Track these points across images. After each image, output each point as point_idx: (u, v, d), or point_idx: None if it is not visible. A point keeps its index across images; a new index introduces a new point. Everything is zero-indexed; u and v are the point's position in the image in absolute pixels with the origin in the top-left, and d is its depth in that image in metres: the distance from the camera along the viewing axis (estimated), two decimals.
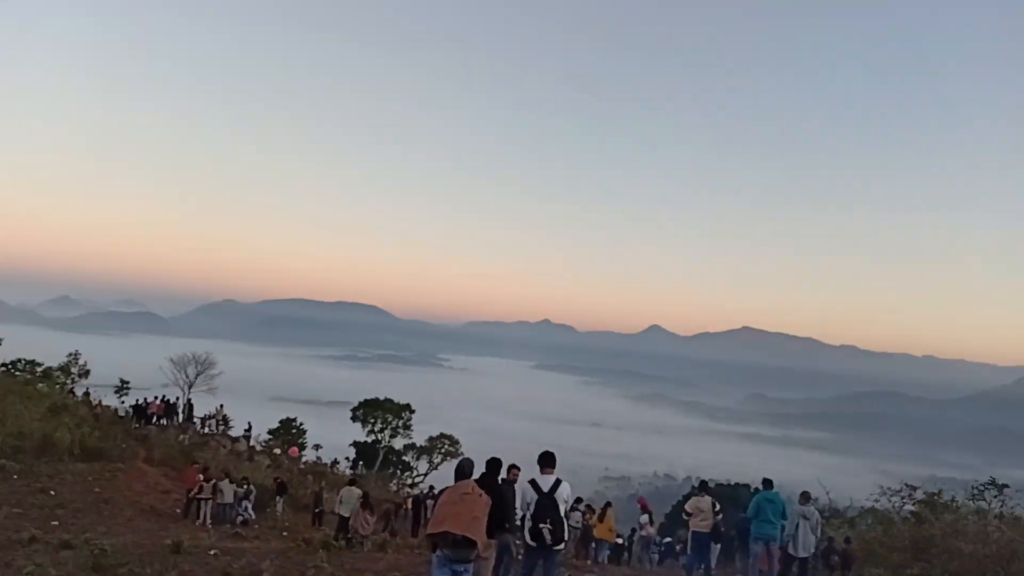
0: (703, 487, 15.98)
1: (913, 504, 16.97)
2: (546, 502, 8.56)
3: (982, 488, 17.40)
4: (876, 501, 18.58)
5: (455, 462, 8.86)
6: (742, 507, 22.60)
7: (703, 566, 15.10)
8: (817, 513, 14.73)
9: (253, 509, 24.26)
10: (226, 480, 23.83)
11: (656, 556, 23.62)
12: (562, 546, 9.16)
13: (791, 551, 14.08)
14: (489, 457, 9.63)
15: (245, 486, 24.50)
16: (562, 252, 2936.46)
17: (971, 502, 16.59)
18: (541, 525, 8.43)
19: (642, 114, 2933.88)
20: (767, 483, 14.44)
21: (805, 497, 14.72)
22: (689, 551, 15.72)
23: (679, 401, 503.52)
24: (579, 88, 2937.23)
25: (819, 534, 14.77)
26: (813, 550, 14.41)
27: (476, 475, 8.83)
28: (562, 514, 8.74)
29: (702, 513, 14.90)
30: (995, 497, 16.75)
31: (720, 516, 15.80)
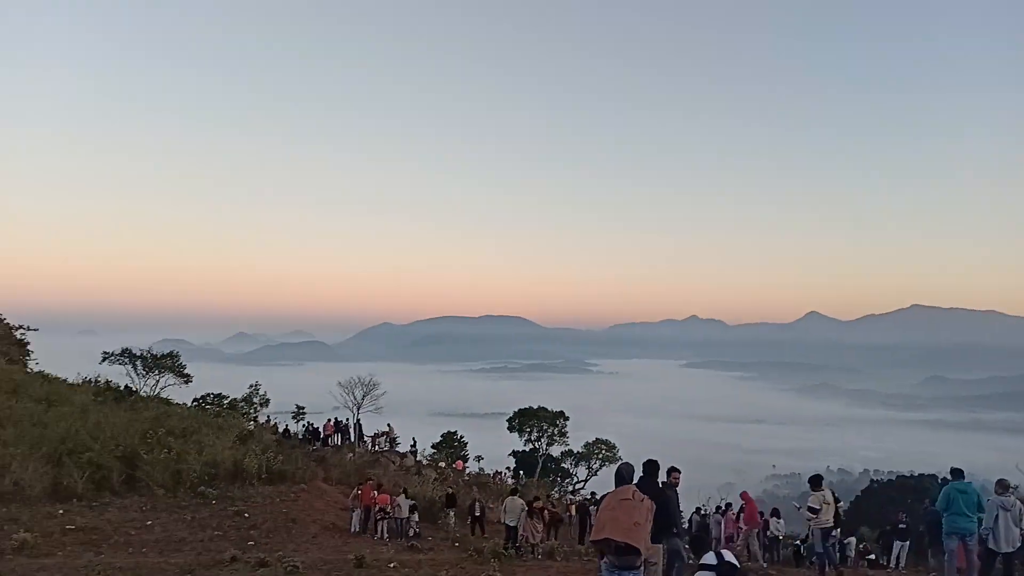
0: (817, 481, 15.37)
1: None
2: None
3: None
4: None
5: (614, 467, 8.84)
6: (931, 500, 20.93)
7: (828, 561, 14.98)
8: (1019, 503, 13.29)
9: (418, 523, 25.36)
10: (402, 495, 25.04)
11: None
12: None
13: (992, 546, 12.79)
14: (646, 459, 9.52)
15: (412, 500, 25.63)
16: (705, 245, 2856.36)
17: None
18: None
19: (778, 90, 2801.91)
20: (957, 473, 13.34)
21: (1003, 486, 13.28)
22: (822, 547, 15.45)
23: (848, 390, 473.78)
24: (720, 75, 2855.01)
25: (1022, 526, 13.34)
26: (1019, 544, 13.01)
27: (636, 479, 8.77)
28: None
29: (828, 507, 14.76)
30: None
31: (841, 504, 15.73)
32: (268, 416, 43.04)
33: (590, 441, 54.48)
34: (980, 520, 12.77)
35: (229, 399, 43.02)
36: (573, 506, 29.63)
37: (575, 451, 53.91)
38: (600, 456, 53.03)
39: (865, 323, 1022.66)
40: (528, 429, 52.44)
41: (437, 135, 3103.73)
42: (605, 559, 7.75)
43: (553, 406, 55.46)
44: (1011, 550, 12.73)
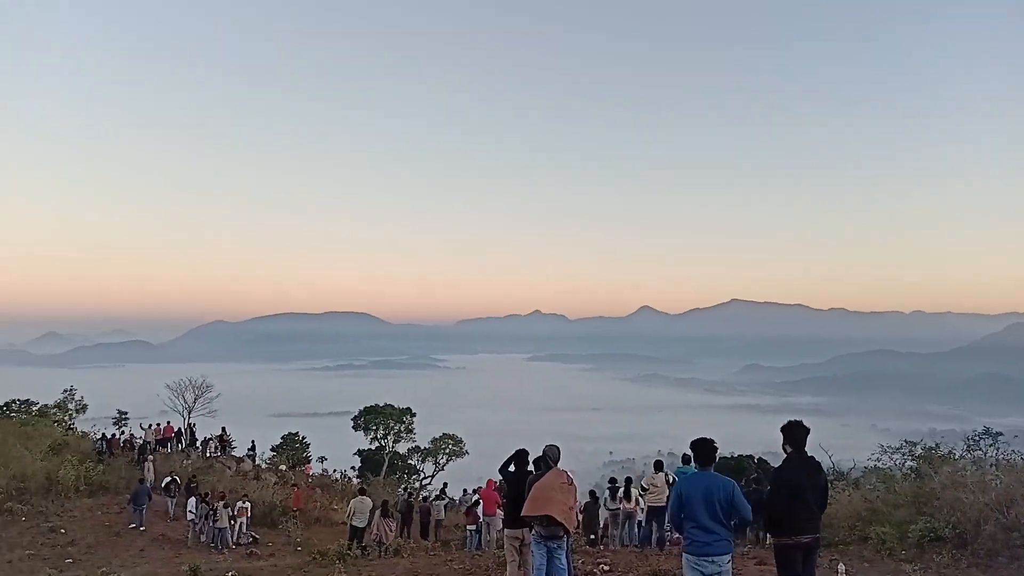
0: (659, 465, 16.96)
1: (913, 460, 17.28)
2: None
3: (977, 438, 17.77)
4: (878, 460, 18.89)
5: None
6: (749, 478, 23.04)
7: (657, 537, 16.06)
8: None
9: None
10: (244, 499, 23.90)
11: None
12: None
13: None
14: (518, 449, 10.09)
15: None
16: (548, 241, 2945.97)
17: (968, 453, 16.93)
18: None
19: (616, 95, 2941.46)
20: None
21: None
22: (644, 524, 16.73)
23: (675, 379, 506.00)
24: (554, 73, 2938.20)
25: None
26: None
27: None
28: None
29: (656, 488, 15.94)
30: (990, 445, 17.12)
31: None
32: (92, 424, 39.55)
33: (437, 436, 54.56)
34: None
35: (39, 405, 39.22)
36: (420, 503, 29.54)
37: (422, 447, 53.76)
38: (447, 451, 53.14)
39: (691, 316, 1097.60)
40: (374, 427, 51.59)
41: (270, 129, 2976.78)
42: (535, 530, 8.64)
43: (400, 403, 54.88)
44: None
